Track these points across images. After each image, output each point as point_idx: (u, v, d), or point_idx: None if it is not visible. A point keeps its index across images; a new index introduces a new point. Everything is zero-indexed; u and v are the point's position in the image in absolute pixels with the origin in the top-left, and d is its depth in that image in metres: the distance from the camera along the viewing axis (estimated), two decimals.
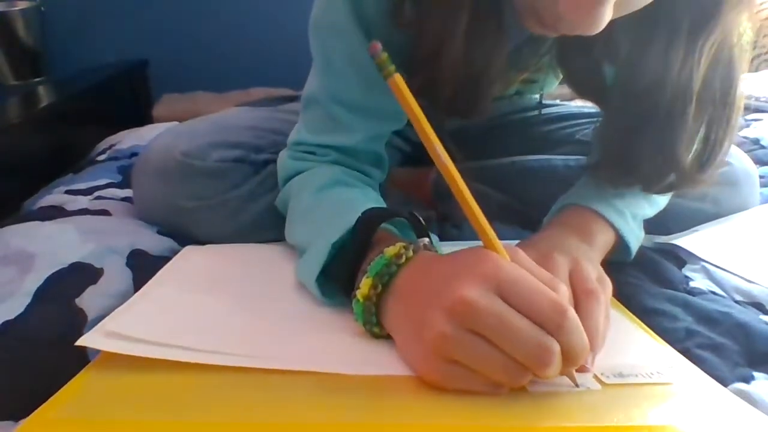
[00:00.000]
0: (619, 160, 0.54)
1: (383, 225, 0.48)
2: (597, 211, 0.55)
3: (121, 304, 0.48)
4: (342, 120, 0.57)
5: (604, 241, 0.55)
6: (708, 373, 0.41)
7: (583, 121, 0.80)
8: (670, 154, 0.51)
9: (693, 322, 0.50)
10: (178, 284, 0.54)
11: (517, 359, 0.35)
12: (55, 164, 1.05)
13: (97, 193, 0.81)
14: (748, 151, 0.87)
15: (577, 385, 0.38)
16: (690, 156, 0.51)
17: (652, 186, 0.55)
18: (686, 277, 0.59)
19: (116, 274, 0.57)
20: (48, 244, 0.61)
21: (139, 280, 0.55)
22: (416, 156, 0.82)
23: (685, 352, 0.45)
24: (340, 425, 0.34)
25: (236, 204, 0.66)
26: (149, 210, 0.70)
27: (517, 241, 0.53)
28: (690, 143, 0.51)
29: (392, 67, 0.39)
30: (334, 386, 0.38)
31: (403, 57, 0.40)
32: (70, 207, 0.75)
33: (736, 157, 0.70)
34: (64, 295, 0.52)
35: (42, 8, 1.70)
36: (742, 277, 0.57)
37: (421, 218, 0.48)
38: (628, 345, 0.45)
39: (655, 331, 0.47)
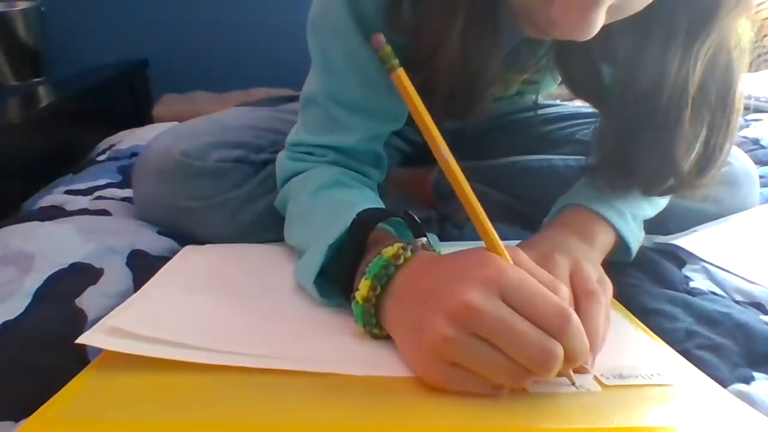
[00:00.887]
0: (618, 162, 0.54)
1: (380, 225, 0.47)
2: (597, 212, 0.55)
3: (121, 304, 0.47)
4: (341, 120, 0.57)
5: (604, 241, 0.55)
6: (708, 374, 0.41)
7: (583, 121, 0.80)
8: (667, 158, 0.51)
9: (693, 323, 0.50)
10: (178, 284, 0.54)
11: (521, 362, 0.35)
12: (55, 164, 1.05)
13: (97, 193, 0.81)
14: (748, 151, 0.87)
15: (574, 385, 0.38)
16: (689, 160, 0.51)
17: (650, 189, 0.55)
18: (686, 277, 0.59)
19: (116, 274, 0.57)
20: (48, 245, 0.61)
21: (139, 280, 0.55)
22: (416, 156, 0.82)
23: (685, 353, 0.45)
24: (339, 426, 0.34)
25: (236, 204, 0.66)
26: (149, 210, 0.70)
27: (517, 242, 0.52)
28: (689, 147, 0.51)
29: (396, 61, 0.39)
30: (334, 387, 0.38)
31: (400, 58, 0.40)
32: (70, 207, 0.75)
33: (736, 157, 0.70)
34: (64, 295, 0.52)
35: (42, 8, 1.70)
36: (742, 278, 0.57)
37: (416, 218, 0.48)
38: (628, 346, 0.45)
39: (655, 332, 0.47)
